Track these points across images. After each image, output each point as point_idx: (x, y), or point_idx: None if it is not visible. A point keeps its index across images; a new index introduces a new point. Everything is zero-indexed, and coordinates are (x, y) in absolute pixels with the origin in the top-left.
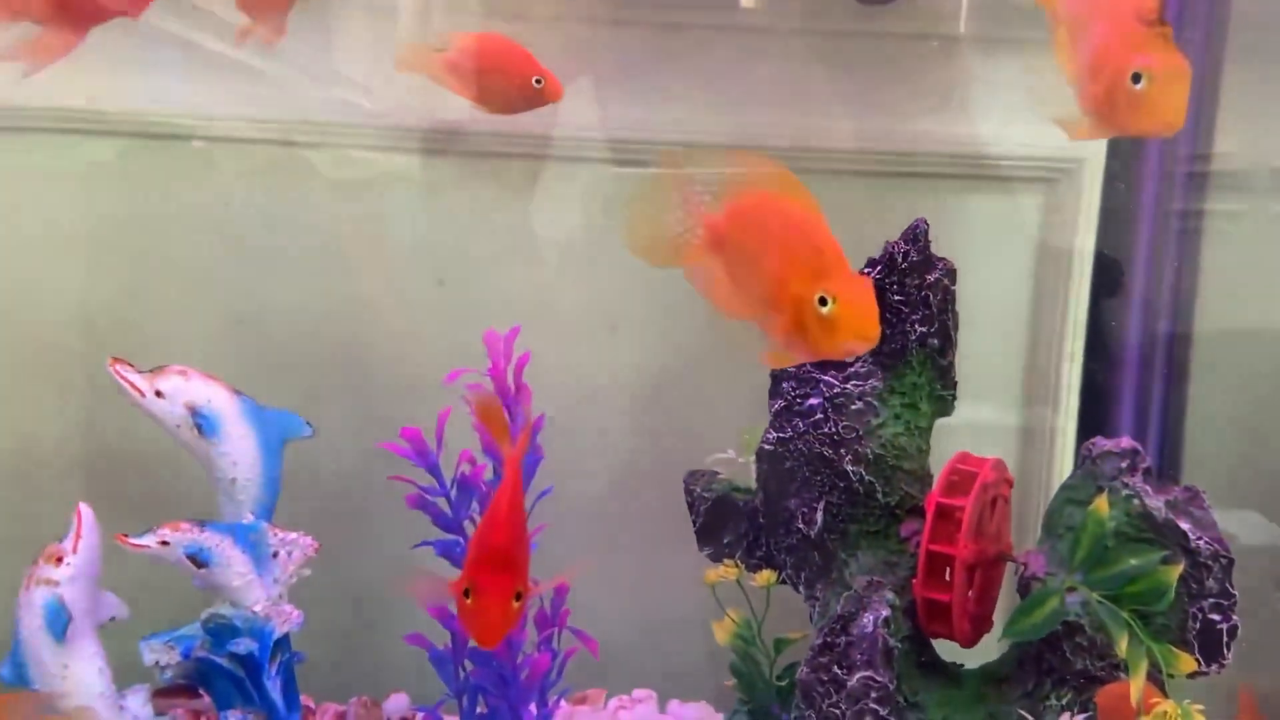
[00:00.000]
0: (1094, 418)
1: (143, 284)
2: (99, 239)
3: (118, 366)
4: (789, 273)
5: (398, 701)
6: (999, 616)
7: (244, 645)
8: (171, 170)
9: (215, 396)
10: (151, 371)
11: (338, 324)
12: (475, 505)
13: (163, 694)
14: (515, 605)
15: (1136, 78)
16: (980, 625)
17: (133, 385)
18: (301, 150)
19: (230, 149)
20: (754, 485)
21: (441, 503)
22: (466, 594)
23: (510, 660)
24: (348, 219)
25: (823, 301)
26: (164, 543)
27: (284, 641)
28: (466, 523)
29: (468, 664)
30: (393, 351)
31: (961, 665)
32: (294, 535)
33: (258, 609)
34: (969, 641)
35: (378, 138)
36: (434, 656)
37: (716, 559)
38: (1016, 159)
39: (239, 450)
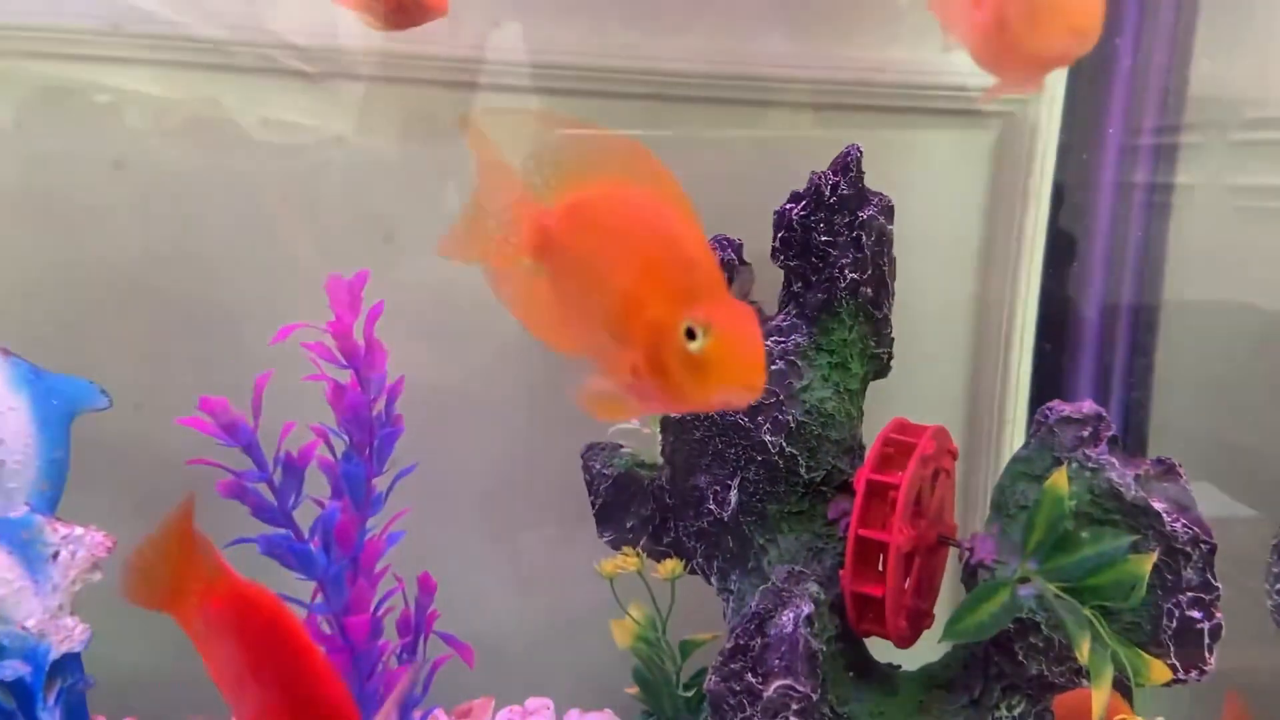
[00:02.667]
0: (1049, 379)
1: None
2: None
3: None
4: (646, 293)
5: None
6: (941, 610)
7: (11, 670)
8: None
9: None
10: None
11: (189, 278)
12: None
13: None
14: None
15: None
16: (919, 621)
17: None
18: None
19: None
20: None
21: (263, 489)
22: None
23: (361, 676)
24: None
25: (691, 335)
26: None
27: (68, 663)
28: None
29: None
30: (262, 310)
31: (898, 667)
32: (80, 530)
33: (30, 624)
34: (906, 641)
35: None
36: None
37: (618, 546)
38: (968, 89)
39: (7, 425)
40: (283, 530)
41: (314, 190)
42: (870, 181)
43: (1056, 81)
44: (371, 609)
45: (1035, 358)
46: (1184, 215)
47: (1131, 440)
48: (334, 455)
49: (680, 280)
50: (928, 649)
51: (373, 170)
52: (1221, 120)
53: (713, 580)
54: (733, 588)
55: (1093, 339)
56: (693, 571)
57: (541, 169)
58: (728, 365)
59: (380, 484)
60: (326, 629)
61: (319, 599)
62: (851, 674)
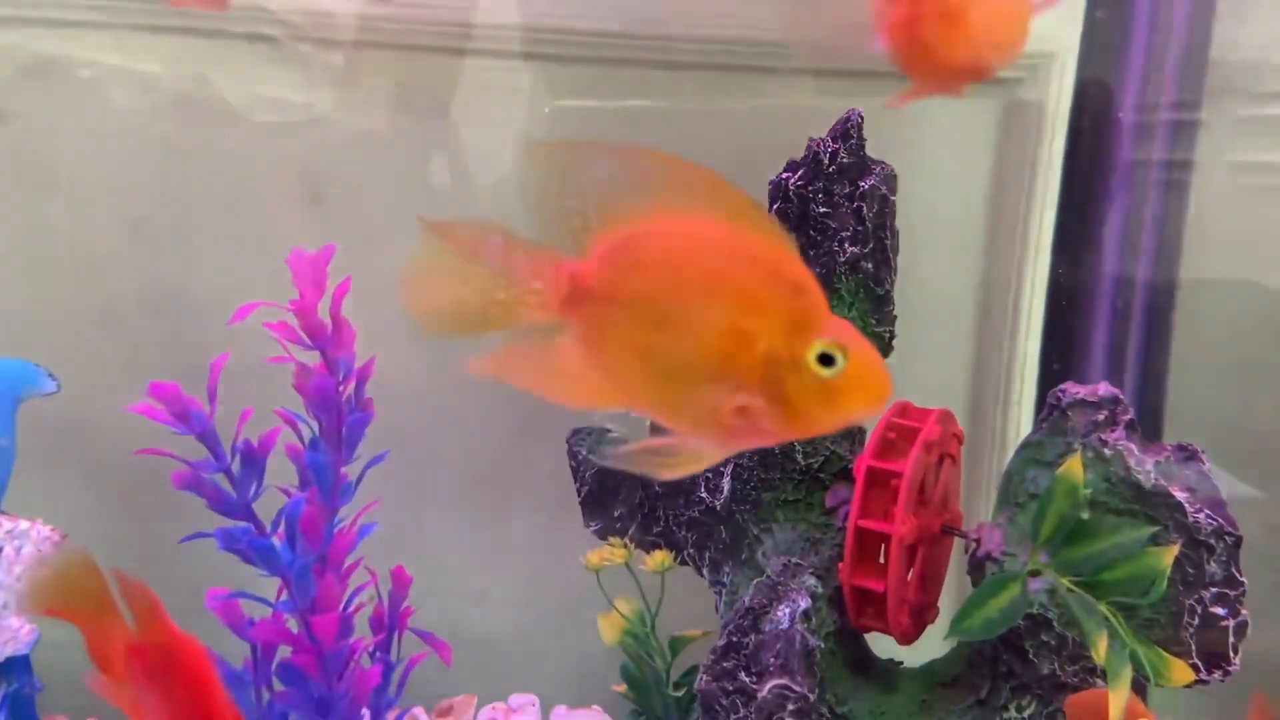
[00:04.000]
0: (1060, 359)
1: None
2: None
3: None
4: (754, 325)
5: None
6: (946, 604)
7: None
8: None
9: None
10: None
11: (151, 255)
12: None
13: None
14: None
15: None
16: (922, 616)
17: None
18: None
19: None
20: None
21: (220, 480)
22: None
23: (329, 677)
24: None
25: (826, 360)
26: None
27: (15, 666)
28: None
29: (276, 683)
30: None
31: (900, 664)
32: (26, 524)
33: None
34: (908, 637)
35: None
36: (229, 677)
37: (605, 536)
38: None
39: None
40: (243, 523)
41: (293, 166)
42: (871, 151)
43: (1068, 48)
44: (341, 606)
45: (1044, 338)
46: (1200, 191)
47: (1147, 425)
48: (302, 442)
49: (792, 305)
50: (931, 645)
51: (357, 144)
52: (1241, 94)
53: (704, 572)
54: (725, 580)
55: (1104, 318)
56: (683, 563)
57: (581, 210)
58: (863, 384)
59: (352, 472)
60: (293, 628)
61: (285, 596)
62: (850, 671)
